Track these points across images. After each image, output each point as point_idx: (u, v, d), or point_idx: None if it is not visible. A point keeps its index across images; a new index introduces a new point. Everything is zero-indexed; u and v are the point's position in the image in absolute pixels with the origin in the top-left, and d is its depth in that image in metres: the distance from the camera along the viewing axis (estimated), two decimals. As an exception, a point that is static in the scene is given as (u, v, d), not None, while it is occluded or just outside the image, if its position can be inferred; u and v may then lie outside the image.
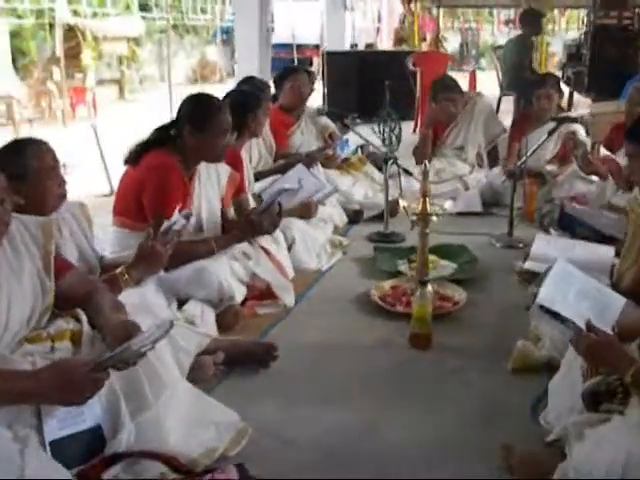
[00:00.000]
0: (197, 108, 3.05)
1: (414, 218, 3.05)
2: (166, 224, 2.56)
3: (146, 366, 2.03)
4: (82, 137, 6.97)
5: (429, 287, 3.13)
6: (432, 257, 3.58)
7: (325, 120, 4.99)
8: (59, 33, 11.94)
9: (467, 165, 5.01)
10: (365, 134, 4.73)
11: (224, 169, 3.29)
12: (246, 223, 3.18)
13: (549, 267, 2.18)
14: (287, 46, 20.35)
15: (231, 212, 3.36)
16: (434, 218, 3.05)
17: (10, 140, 2.51)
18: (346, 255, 3.89)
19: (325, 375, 2.59)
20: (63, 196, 2.51)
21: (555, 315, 1.94)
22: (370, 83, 7.79)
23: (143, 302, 2.60)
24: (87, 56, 13.06)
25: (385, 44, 17.30)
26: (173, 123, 3.09)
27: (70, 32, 12.67)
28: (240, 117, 3.67)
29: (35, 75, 12.64)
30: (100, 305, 2.16)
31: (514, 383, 2.50)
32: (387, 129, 6.73)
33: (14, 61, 13.72)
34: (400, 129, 6.82)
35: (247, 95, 3.90)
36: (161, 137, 3.06)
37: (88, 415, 1.95)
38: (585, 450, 1.73)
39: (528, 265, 3.22)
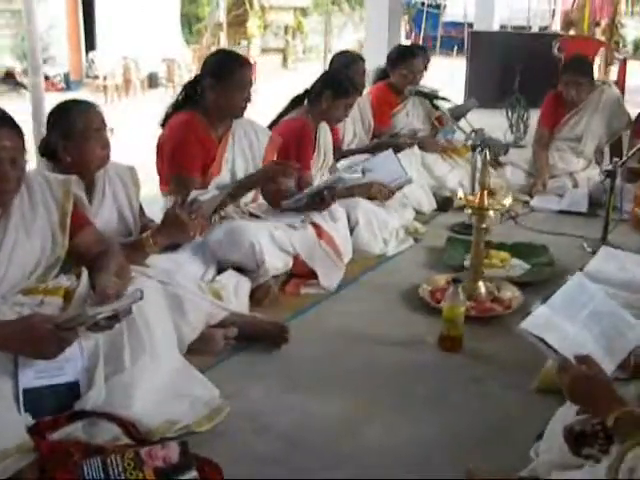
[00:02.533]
0: (217, 61, 3.03)
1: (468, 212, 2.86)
2: (194, 194, 2.54)
3: (131, 331, 2.07)
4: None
5: (482, 287, 2.95)
6: (504, 255, 3.37)
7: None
8: (225, 0, 12.40)
9: (582, 160, 4.58)
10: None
11: (263, 131, 3.24)
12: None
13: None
14: (459, 25, 19.84)
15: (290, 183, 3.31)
16: (491, 213, 2.83)
17: (63, 100, 2.62)
18: (419, 243, 3.73)
19: (336, 366, 2.48)
20: (105, 159, 2.59)
21: (540, 340, 1.72)
22: (514, 66, 7.40)
23: (174, 267, 2.65)
24: (253, 24, 13.49)
25: (559, 27, 16.32)
26: (197, 80, 3.08)
27: (238, 0, 13.13)
28: (316, 94, 3.58)
29: (204, 40, 13.26)
30: (104, 266, 2.19)
31: (535, 403, 2.25)
32: (515, 115, 6.41)
33: (189, 25, 14.47)
34: (528, 116, 6.45)
35: (335, 75, 3.75)
36: (188, 96, 3.07)
37: (68, 370, 2.01)
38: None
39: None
